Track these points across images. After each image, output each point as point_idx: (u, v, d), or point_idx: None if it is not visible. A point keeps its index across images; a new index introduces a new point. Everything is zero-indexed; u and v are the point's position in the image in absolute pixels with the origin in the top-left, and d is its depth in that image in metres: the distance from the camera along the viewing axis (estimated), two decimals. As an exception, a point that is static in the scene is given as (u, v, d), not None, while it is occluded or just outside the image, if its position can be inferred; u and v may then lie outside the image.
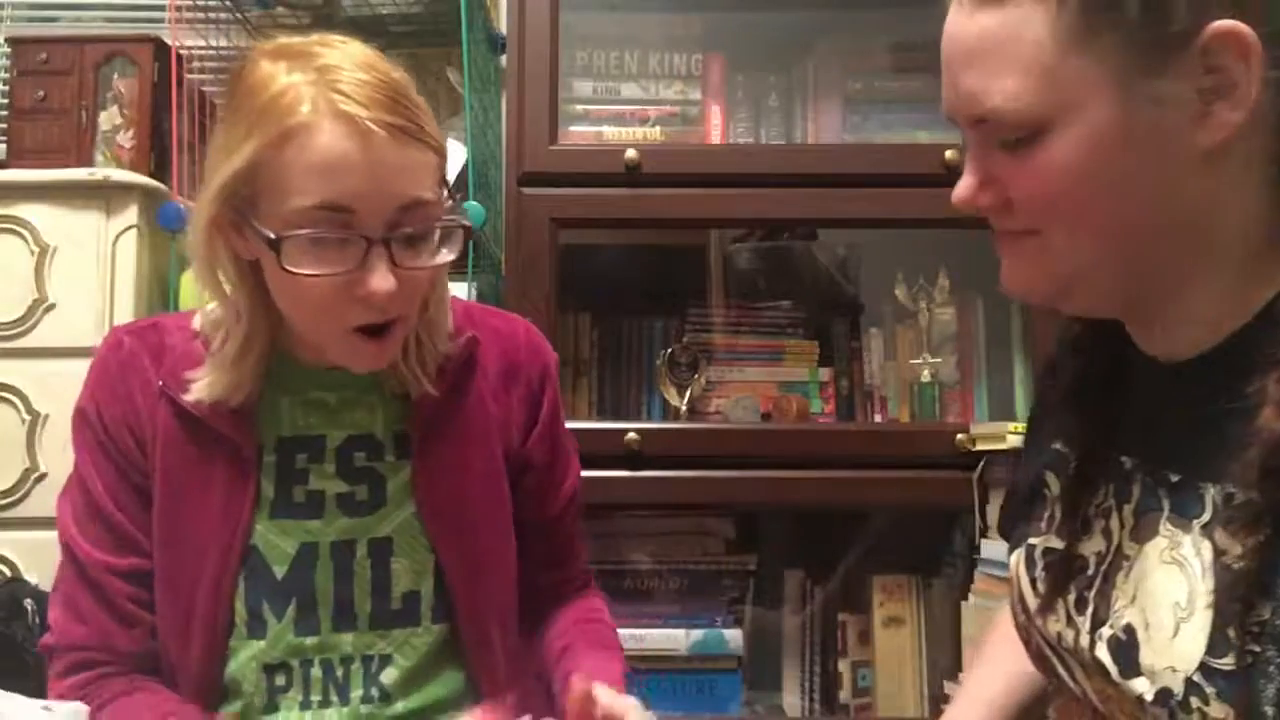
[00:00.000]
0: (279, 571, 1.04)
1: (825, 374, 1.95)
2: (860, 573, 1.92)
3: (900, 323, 1.96)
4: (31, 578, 1.78)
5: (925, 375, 1.90)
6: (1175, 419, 0.81)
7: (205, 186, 0.99)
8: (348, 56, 0.97)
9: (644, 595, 1.89)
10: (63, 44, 1.98)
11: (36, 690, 1.68)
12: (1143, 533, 0.80)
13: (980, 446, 1.70)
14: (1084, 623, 0.81)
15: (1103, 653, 0.78)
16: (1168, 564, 0.76)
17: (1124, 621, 0.78)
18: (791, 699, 1.90)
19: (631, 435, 1.74)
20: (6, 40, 2.14)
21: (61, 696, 1.04)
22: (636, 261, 2.04)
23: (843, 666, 1.88)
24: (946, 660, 1.82)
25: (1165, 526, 0.78)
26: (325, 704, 1.04)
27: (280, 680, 1.04)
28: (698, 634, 1.80)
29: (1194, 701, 0.71)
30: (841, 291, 2.05)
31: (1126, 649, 0.77)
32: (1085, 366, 0.89)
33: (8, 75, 2.08)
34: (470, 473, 1.11)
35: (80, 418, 1.07)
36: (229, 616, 1.03)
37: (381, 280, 0.95)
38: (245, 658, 1.04)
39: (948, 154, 1.78)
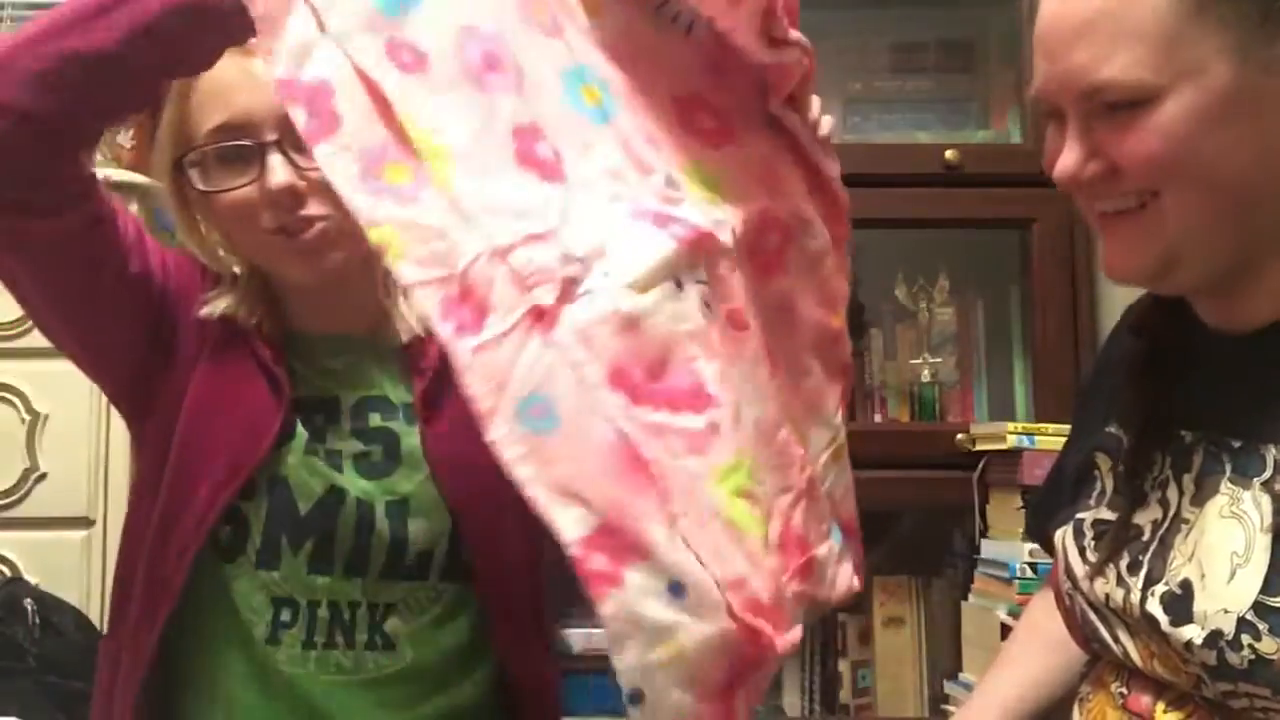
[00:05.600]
0: (303, 507, 1.04)
1: (825, 374, 1.94)
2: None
3: (900, 323, 1.96)
4: (31, 578, 1.78)
5: (925, 375, 1.90)
6: (1241, 388, 0.83)
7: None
8: None
9: (644, 595, 1.89)
10: (63, 44, 1.98)
11: (36, 689, 1.69)
12: (1203, 495, 0.82)
13: (980, 446, 1.70)
14: (1136, 582, 0.83)
15: (1154, 607, 0.80)
16: (1227, 518, 0.79)
17: (1180, 577, 0.79)
18: (791, 699, 1.89)
19: (631, 435, 1.74)
20: (6, 40, 2.14)
21: None
22: (637, 261, 2.04)
23: (843, 666, 1.88)
24: (946, 660, 1.82)
25: (1226, 485, 0.80)
26: (330, 645, 1.04)
27: (286, 615, 1.04)
28: (698, 634, 1.79)
29: (1245, 639, 0.74)
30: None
31: (1181, 601, 0.78)
32: (1146, 346, 0.91)
33: (8, 75, 2.08)
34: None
35: None
36: (208, 536, 1.02)
37: (275, 175, 1.00)
38: (253, 586, 1.04)
39: (948, 154, 1.78)
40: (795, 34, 0.95)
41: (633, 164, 0.86)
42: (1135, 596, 0.82)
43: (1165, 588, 0.80)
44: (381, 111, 0.80)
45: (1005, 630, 1.54)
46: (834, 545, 0.98)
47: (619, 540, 0.74)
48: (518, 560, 1.10)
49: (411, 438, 1.08)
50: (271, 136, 1.00)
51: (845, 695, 1.87)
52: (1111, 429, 0.92)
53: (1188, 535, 0.81)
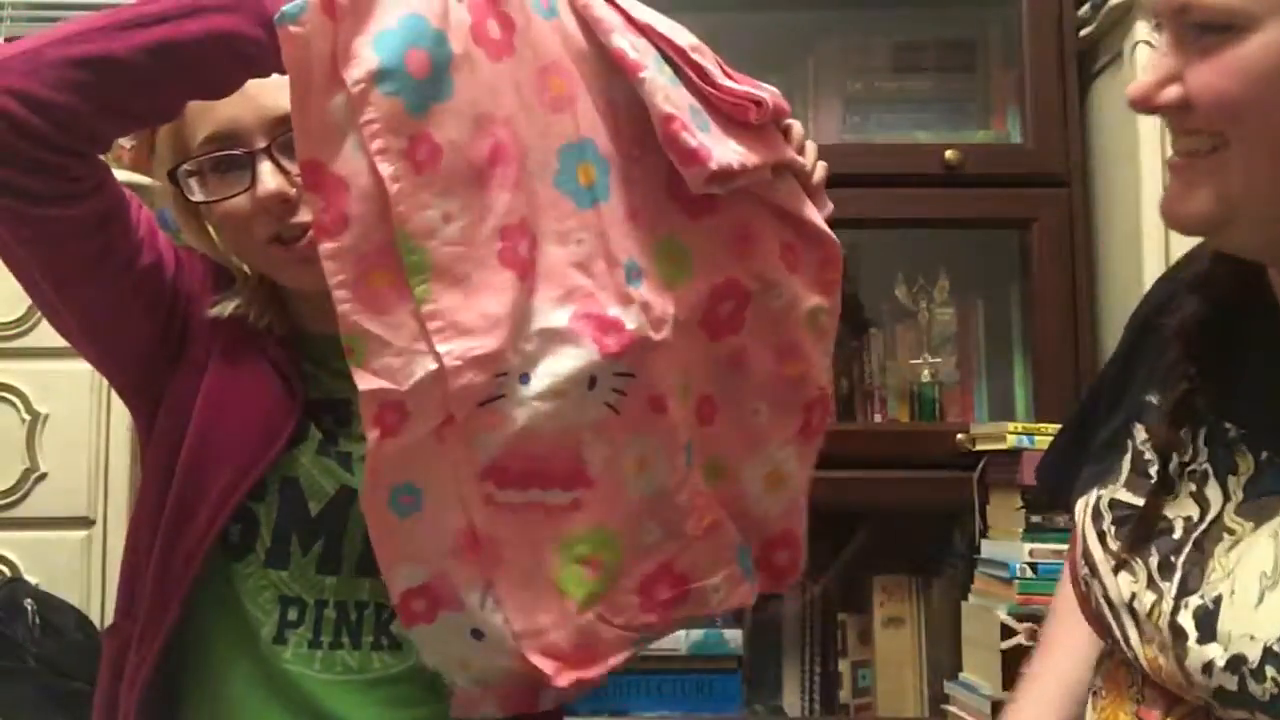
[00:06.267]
0: (314, 508, 1.05)
1: (825, 374, 1.94)
2: (860, 573, 1.92)
3: (900, 323, 1.96)
4: (31, 578, 1.78)
5: (925, 375, 1.90)
6: None
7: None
8: None
9: (644, 595, 1.89)
10: (63, 44, 1.98)
11: (36, 689, 1.69)
12: (1261, 514, 0.75)
13: (980, 446, 1.70)
14: (1169, 588, 0.76)
15: (1185, 619, 0.74)
16: (1269, 537, 0.73)
17: (1215, 592, 0.73)
18: (791, 699, 1.90)
19: (631, 435, 1.74)
20: (6, 40, 2.14)
21: None
22: (637, 261, 2.04)
23: (843, 666, 1.88)
24: (946, 660, 1.82)
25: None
26: (336, 645, 1.05)
27: (293, 615, 1.05)
28: (697, 634, 1.80)
29: (1269, 670, 0.68)
30: (841, 291, 2.04)
31: (1210, 617, 0.72)
32: (1202, 309, 0.84)
33: (8, 75, 2.08)
34: None
35: None
36: (218, 534, 1.02)
37: (264, 183, 1.00)
38: (260, 585, 1.04)
39: (948, 154, 1.78)
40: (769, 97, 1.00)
41: (603, 256, 0.96)
42: (1167, 605, 0.76)
43: (1200, 601, 0.74)
44: (385, 216, 0.87)
45: (1005, 630, 1.54)
46: (735, 570, 1.08)
47: (437, 595, 0.96)
48: None
49: None
50: (261, 144, 1.01)
51: (845, 695, 1.87)
52: (1151, 398, 0.85)
53: (1232, 548, 0.75)
